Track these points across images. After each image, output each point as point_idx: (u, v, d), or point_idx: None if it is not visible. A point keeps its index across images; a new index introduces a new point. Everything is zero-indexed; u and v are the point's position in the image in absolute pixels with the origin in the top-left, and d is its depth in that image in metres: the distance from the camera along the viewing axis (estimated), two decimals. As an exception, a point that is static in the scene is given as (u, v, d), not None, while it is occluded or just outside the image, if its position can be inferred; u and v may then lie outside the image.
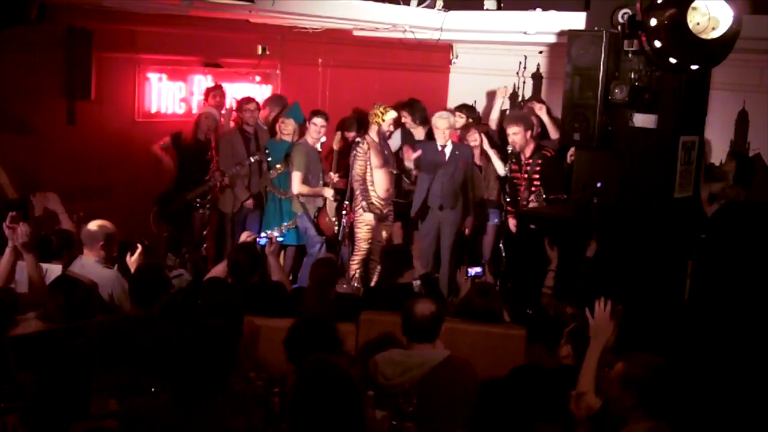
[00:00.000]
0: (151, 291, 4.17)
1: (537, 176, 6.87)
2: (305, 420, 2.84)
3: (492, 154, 7.48)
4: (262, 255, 5.58)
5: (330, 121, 7.48)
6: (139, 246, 5.26)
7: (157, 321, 4.11)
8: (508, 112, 9.31)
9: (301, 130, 7.52)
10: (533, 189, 6.86)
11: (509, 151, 7.21)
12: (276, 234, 7.18)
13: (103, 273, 4.90)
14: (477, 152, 7.59)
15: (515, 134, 6.94)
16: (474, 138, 7.60)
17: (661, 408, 2.88)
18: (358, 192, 7.13)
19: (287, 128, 7.44)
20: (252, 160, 7.30)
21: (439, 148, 7.25)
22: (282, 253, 7.46)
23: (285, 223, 7.39)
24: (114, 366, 3.76)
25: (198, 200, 7.24)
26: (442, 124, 7.27)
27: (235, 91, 8.07)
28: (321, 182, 7.36)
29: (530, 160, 6.91)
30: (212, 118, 7.33)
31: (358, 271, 7.22)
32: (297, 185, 7.18)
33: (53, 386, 3.10)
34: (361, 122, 7.64)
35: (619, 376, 3.02)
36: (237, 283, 5.03)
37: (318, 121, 7.28)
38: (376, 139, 7.17)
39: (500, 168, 7.44)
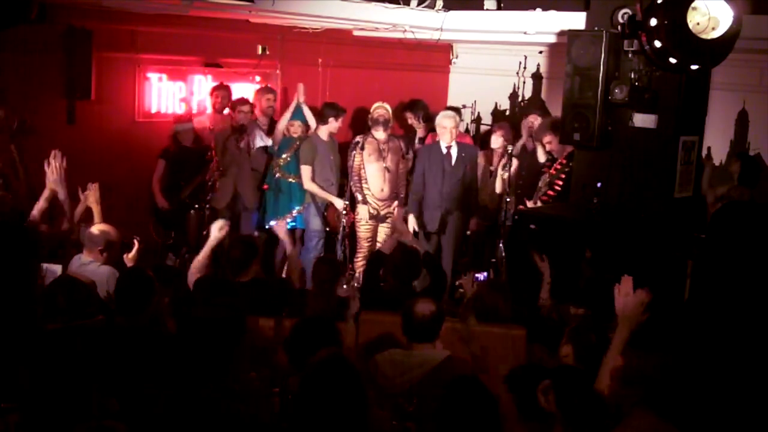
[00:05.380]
0: (138, 298, 4.12)
1: (564, 176, 6.84)
2: (311, 416, 2.83)
3: (500, 173, 7.48)
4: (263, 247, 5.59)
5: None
6: (136, 243, 5.26)
7: (145, 332, 3.99)
8: (507, 112, 9.34)
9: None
10: (549, 193, 6.85)
11: (509, 151, 7.21)
12: (288, 219, 7.38)
13: (99, 271, 4.89)
14: (498, 154, 7.57)
15: (549, 143, 6.99)
16: (498, 142, 7.58)
17: (665, 404, 2.88)
18: (354, 188, 7.22)
19: (296, 131, 7.60)
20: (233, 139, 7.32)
21: (444, 150, 7.21)
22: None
23: (296, 208, 7.53)
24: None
25: (192, 200, 7.26)
26: (449, 123, 7.20)
27: (236, 91, 8.09)
28: (335, 176, 7.50)
29: (564, 161, 6.88)
30: (187, 131, 7.32)
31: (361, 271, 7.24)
32: (307, 181, 7.38)
33: (54, 386, 3.10)
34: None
35: (623, 371, 3.00)
36: (233, 277, 5.03)
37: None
38: (382, 137, 7.26)
39: (499, 187, 7.45)
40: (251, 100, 7.80)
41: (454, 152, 7.20)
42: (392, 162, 7.38)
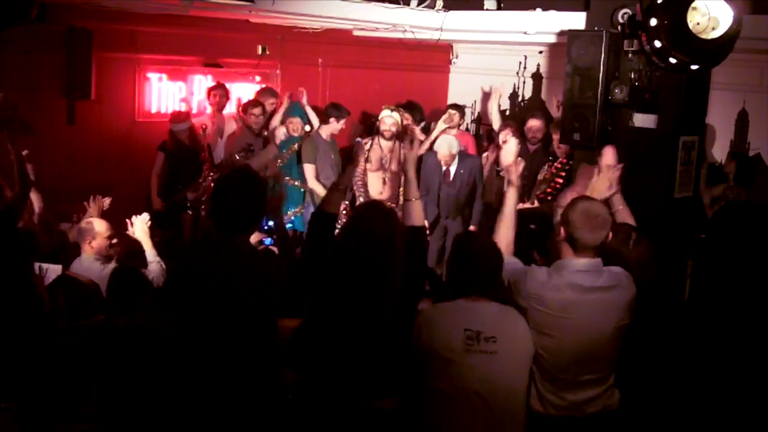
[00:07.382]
0: (131, 296, 4.11)
1: (564, 174, 6.82)
2: None
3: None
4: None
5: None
6: (139, 218, 5.25)
7: (141, 331, 4.01)
8: (507, 112, 9.33)
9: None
10: (548, 190, 6.83)
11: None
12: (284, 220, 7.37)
13: (103, 271, 4.89)
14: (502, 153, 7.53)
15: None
16: (505, 139, 7.56)
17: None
18: (356, 189, 7.23)
19: (296, 127, 7.57)
20: (237, 156, 7.28)
21: (444, 168, 7.19)
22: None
23: (292, 209, 7.50)
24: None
25: (188, 202, 7.25)
26: (444, 151, 7.11)
27: (237, 91, 8.08)
28: (336, 175, 7.46)
29: (564, 160, 6.85)
30: (183, 131, 7.27)
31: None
32: (310, 179, 7.34)
33: (49, 385, 3.10)
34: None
35: None
36: None
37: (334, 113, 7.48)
38: (387, 146, 7.23)
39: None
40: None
41: (452, 170, 7.21)
42: (395, 167, 7.36)
